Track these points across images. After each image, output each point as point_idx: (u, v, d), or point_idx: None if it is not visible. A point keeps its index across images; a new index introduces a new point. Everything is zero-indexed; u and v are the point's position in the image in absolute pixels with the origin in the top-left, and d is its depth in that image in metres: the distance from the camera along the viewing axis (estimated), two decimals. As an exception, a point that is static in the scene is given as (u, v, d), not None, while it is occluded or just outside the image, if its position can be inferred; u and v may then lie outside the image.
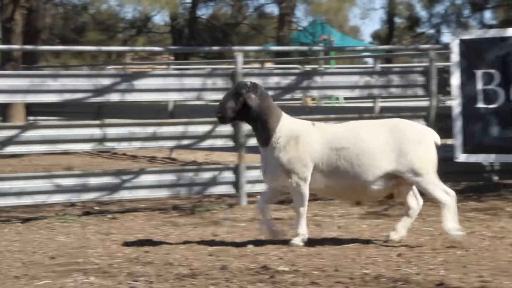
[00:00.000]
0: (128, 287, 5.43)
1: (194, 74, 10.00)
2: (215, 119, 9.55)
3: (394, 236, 6.87)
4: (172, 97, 10.87)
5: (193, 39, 28.25)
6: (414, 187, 6.89)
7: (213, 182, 9.57)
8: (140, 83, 9.31)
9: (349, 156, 6.70)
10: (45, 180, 8.89)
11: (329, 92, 10.54)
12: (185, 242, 7.14)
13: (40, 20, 18.86)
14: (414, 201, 6.91)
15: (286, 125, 6.83)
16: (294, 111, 8.12)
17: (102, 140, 9.14)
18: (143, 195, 9.36)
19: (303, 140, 6.77)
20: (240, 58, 9.63)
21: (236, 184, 9.61)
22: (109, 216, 8.85)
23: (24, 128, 9.03)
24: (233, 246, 6.91)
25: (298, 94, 10.30)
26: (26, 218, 8.70)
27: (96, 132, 9.10)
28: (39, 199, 8.78)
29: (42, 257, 6.61)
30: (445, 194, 6.74)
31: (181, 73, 11.24)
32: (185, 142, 9.64)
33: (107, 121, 9.54)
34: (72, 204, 9.39)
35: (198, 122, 9.58)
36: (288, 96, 10.21)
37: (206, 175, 9.58)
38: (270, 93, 9.92)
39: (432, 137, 6.88)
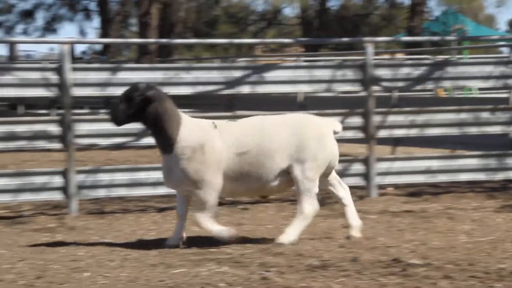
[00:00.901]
0: (260, 277, 5.48)
1: (324, 65, 9.98)
2: (344, 110, 9.61)
3: (353, 232, 6.82)
4: (301, 89, 10.89)
5: (323, 31, 28.21)
6: (335, 175, 6.85)
7: (343, 173, 9.53)
8: (270, 75, 9.39)
9: (250, 160, 6.53)
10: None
11: (462, 83, 10.31)
12: (315, 234, 7.15)
13: (175, 14, 19.28)
14: (341, 190, 6.86)
15: (188, 132, 6.47)
16: (426, 103, 8.00)
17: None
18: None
19: (210, 148, 6.46)
20: (370, 49, 9.56)
21: (366, 176, 9.56)
22: (240, 207, 8.96)
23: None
24: (363, 238, 6.87)
25: (429, 85, 10.13)
26: (162, 207, 8.92)
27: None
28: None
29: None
30: (310, 205, 6.61)
31: (311, 64, 11.24)
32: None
33: (238, 113, 9.65)
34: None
35: (327, 114, 9.56)
36: (419, 87, 10.06)
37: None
38: (401, 84, 9.87)
39: (330, 129, 6.73)
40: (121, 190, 8.95)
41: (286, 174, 6.61)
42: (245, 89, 9.42)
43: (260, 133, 6.58)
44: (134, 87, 6.48)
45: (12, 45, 30.26)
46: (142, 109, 6.40)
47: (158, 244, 6.77)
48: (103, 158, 13.53)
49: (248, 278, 5.48)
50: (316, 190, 6.63)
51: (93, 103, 19.35)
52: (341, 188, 6.89)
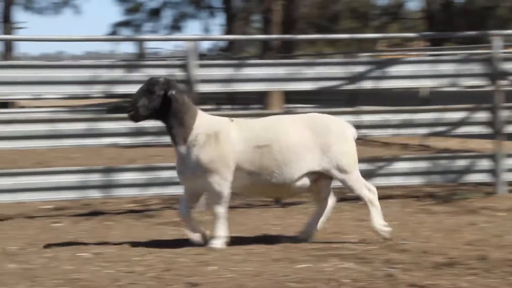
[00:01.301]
0: (384, 274, 5.44)
1: (449, 60, 9.80)
2: (470, 105, 9.41)
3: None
4: (425, 84, 10.73)
5: (448, 25, 27.68)
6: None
7: (469, 170, 9.36)
8: (393, 70, 9.29)
9: (272, 153, 6.42)
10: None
11: None
12: (441, 231, 7.04)
13: (297, 10, 19.33)
14: (332, 199, 6.75)
15: (204, 122, 6.47)
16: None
17: (356, 127, 9.21)
18: (397, 182, 9.35)
19: (224, 137, 6.42)
20: (497, 42, 9.32)
21: (494, 172, 9.34)
22: (362, 202, 8.90)
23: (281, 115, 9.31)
24: (492, 236, 6.72)
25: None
26: (285, 202, 8.96)
27: (349, 119, 9.19)
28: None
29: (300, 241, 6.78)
30: (368, 191, 6.57)
31: (435, 59, 11.06)
32: (439, 129, 9.49)
33: (361, 108, 9.60)
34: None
35: (453, 109, 9.39)
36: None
37: (462, 163, 9.40)
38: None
39: (351, 131, 6.67)
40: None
41: (310, 176, 6.52)
42: (368, 84, 9.36)
43: (283, 129, 6.50)
44: (154, 81, 6.42)
45: (140, 43, 31.06)
46: (163, 102, 6.36)
47: (281, 239, 6.82)
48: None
49: (373, 274, 5.45)
50: (359, 175, 6.61)
51: (217, 99, 19.65)
52: (332, 196, 6.79)
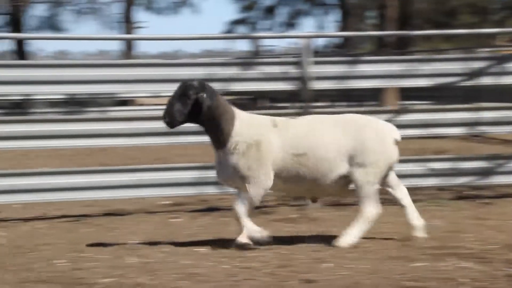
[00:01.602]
0: (505, 274, 5.32)
1: None
2: None
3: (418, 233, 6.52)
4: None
5: None
6: (393, 176, 6.60)
7: None
8: (512, 65, 9.08)
9: (307, 162, 6.32)
10: (417, 163, 9.02)
11: None
12: None
13: (413, 5, 19.08)
14: (399, 191, 6.63)
15: (244, 127, 6.32)
16: None
17: (475, 124, 9.06)
18: (517, 181, 9.12)
19: (265, 146, 6.29)
20: None
21: None
22: (482, 201, 8.73)
23: (397, 112, 9.22)
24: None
25: None
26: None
27: (468, 115, 9.03)
28: (413, 182, 8.92)
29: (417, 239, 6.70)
30: (372, 209, 6.39)
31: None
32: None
33: (479, 104, 9.41)
34: (441, 188, 9.39)
35: None
36: None
37: None
38: None
39: (391, 133, 6.49)
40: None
41: (344, 179, 6.42)
42: (486, 80, 9.16)
43: (319, 135, 6.39)
44: (187, 85, 6.30)
45: (255, 40, 31.30)
46: (197, 106, 6.24)
47: (395, 236, 6.76)
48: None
49: (493, 274, 5.34)
50: (376, 193, 6.44)
51: (331, 96, 19.61)
52: (399, 189, 6.65)
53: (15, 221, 8.20)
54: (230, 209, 8.06)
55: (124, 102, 23.20)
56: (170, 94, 6.42)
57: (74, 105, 21.55)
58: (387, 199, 8.84)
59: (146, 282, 5.39)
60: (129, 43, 27.85)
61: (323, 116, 6.74)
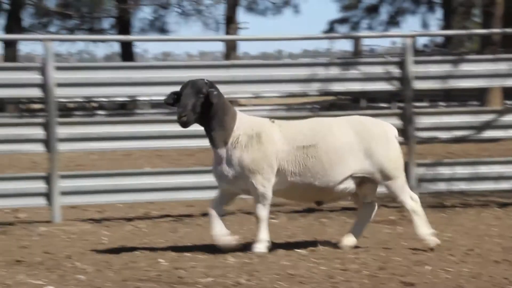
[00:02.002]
0: None
1: None
2: None
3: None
4: None
5: None
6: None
7: None
8: None
9: (317, 154, 6.22)
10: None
11: None
12: None
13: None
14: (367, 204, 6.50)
15: (245, 123, 6.31)
16: None
17: None
18: None
19: (266, 137, 6.26)
20: None
21: None
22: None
23: (501, 112, 9.02)
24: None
25: None
26: (504, 203, 8.68)
27: None
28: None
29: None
30: (411, 199, 6.33)
31: None
32: None
33: None
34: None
35: None
36: None
37: None
38: None
39: (393, 132, 6.42)
40: (462, 184, 8.85)
41: (353, 180, 6.33)
42: None
43: (328, 130, 6.33)
44: (200, 82, 6.23)
45: (356, 40, 31.10)
46: (208, 104, 6.19)
47: (501, 239, 6.61)
48: (443, 151, 13.45)
49: None
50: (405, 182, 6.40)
51: (432, 96, 19.32)
52: (370, 204, 6.55)
53: (119, 221, 8.37)
54: (327, 210, 8.04)
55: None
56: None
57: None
58: (491, 201, 8.66)
59: (245, 282, 5.43)
60: (231, 44, 28.10)
61: (324, 118, 6.81)
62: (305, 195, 6.47)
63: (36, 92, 8.57)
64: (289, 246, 6.62)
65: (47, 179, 8.46)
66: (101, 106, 23.43)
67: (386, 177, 6.33)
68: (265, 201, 6.29)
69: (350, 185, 6.35)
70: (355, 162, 6.29)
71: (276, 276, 5.57)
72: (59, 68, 8.48)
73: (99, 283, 5.52)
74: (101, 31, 29.32)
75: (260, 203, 6.30)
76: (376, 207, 6.59)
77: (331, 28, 32.24)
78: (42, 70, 8.42)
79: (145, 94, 12.39)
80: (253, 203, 6.32)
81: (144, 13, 34.16)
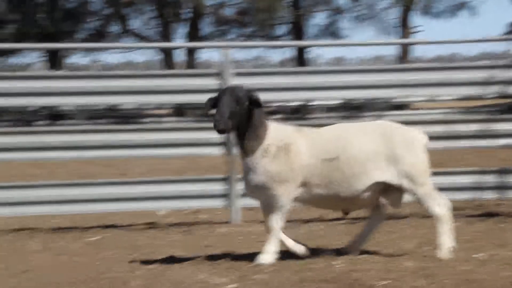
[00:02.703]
0: None
1: None
2: None
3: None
4: None
5: None
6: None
7: None
8: None
9: (339, 166, 6.12)
10: None
11: None
12: None
13: None
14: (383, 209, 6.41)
15: (275, 133, 6.18)
16: None
17: None
18: None
19: (294, 149, 6.14)
20: None
21: None
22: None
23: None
24: None
25: None
26: None
27: None
28: None
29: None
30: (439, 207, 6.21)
31: None
32: None
33: None
34: None
35: None
36: None
37: None
38: None
39: (421, 140, 6.28)
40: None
41: (377, 188, 6.22)
42: None
43: (351, 140, 6.23)
44: (239, 88, 6.12)
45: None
46: (248, 112, 6.09)
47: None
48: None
49: None
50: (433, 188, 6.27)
51: None
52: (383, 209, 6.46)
53: (295, 222, 8.49)
54: (506, 215, 7.83)
55: (400, 106, 23.21)
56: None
57: (351, 110, 21.92)
58: None
59: (423, 286, 5.39)
60: (405, 48, 27.83)
61: (348, 124, 6.80)
62: (331, 205, 6.44)
63: (214, 97, 8.84)
64: (468, 250, 6.51)
65: (226, 181, 8.71)
66: (275, 111, 23.80)
67: (411, 184, 6.22)
68: (280, 214, 6.25)
69: (375, 192, 6.27)
70: (379, 171, 6.21)
71: (454, 281, 5.49)
72: (237, 74, 8.72)
73: (277, 283, 5.63)
74: (276, 38, 29.81)
75: (275, 215, 6.24)
76: (384, 216, 6.55)
77: (510, 30, 31.28)
78: (221, 76, 8.68)
79: (319, 98, 12.49)
80: (269, 213, 6.25)
81: (318, 19, 34.39)
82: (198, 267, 6.28)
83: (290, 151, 6.17)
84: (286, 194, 6.18)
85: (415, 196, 6.31)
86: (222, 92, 6.17)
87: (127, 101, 13.24)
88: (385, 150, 6.22)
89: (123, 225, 8.54)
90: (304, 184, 6.21)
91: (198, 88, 8.76)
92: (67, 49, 28.95)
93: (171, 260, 6.57)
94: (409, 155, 6.23)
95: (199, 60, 31.65)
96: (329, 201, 6.32)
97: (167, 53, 27.76)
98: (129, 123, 21.22)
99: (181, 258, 6.67)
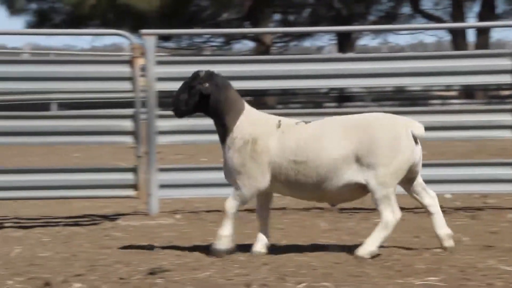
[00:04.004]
0: None
1: None
2: None
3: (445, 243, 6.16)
4: None
5: None
6: (420, 181, 6.16)
7: None
8: None
9: (307, 171, 5.98)
10: None
11: None
12: None
13: None
14: (427, 197, 6.18)
15: (246, 124, 6.10)
16: None
17: None
18: None
19: (262, 145, 6.03)
20: None
21: None
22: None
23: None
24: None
25: None
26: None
27: None
28: None
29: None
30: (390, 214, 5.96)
31: None
32: None
33: None
34: None
35: None
36: None
37: None
38: None
39: (407, 130, 5.99)
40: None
41: (356, 183, 6.00)
42: None
43: (323, 141, 5.99)
44: (194, 75, 6.21)
45: None
46: (203, 98, 6.14)
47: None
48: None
49: None
50: (394, 196, 5.99)
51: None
52: (427, 195, 6.18)
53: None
54: None
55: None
56: None
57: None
58: None
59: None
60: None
61: (334, 118, 6.35)
62: (309, 199, 6.43)
63: (507, 79, 8.57)
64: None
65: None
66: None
67: (375, 182, 5.95)
68: (240, 200, 6.16)
69: (351, 190, 6.07)
70: (351, 171, 5.99)
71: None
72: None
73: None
74: None
75: (234, 200, 6.17)
76: (434, 194, 6.26)
77: None
78: (514, 56, 8.44)
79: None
80: (232, 192, 6.20)
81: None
82: (486, 253, 6.15)
83: (257, 144, 6.09)
84: (249, 187, 6.12)
85: (373, 197, 6.02)
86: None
87: (415, 83, 13.17)
88: (359, 149, 5.97)
89: (409, 208, 8.54)
90: (272, 179, 6.11)
91: (490, 69, 8.55)
92: (357, 32, 29.29)
93: (456, 244, 6.48)
94: (384, 154, 5.93)
95: (492, 39, 30.63)
96: (302, 196, 6.30)
97: (457, 33, 27.20)
98: (415, 105, 21.24)
99: (466, 243, 6.57)
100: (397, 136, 6.00)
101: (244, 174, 6.10)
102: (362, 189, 6.07)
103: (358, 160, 5.98)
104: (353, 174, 5.99)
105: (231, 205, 6.18)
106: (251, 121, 6.17)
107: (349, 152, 5.97)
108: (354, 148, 5.97)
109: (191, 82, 6.22)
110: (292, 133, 6.11)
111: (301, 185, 6.08)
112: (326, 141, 6.02)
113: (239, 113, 6.18)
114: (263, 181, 6.11)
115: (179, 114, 6.32)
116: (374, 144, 5.96)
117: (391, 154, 5.95)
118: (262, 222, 6.32)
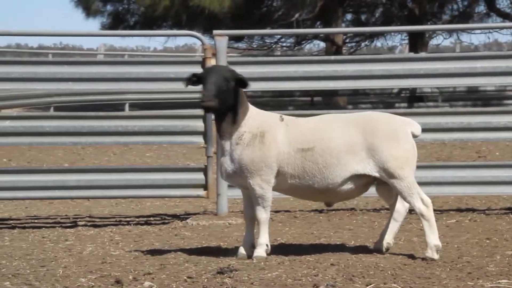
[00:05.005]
0: None
1: None
2: None
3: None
4: None
5: None
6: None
7: None
8: None
9: (314, 157, 6.06)
10: None
11: None
12: None
13: None
14: (400, 203, 6.20)
15: (253, 119, 6.18)
16: None
17: None
18: None
19: (270, 138, 6.11)
20: None
21: None
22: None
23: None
24: None
25: None
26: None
27: None
28: None
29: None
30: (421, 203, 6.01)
31: None
32: None
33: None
34: None
35: None
36: None
37: None
38: None
39: (406, 128, 6.10)
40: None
41: (358, 180, 6.10)
42: None
43: (327, 131, 6.13)
44: (227, 68, 6.23)
45: None
46: (233, 93, 6.10)
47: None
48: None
49: None
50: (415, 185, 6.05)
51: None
52: (401, 202, 6.21)
53: None
54: None
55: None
56: None
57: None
58: None
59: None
60: None
61: (334, 115, 6.51)
62: (308, 196, 6.40)
63: None
64: None
65: None
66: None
67: (390, 177, 6.04)
68: (264, 203, 6.17)
69: (354, 185, 6.13)
70: (356, 163, 6.08)
71: None
72: None
73: None
74: None
75: (259, 205, 6.17)
76: (406, 207, 6.27)
77: None
78: None
79: None
80: (254, 202, 6.19)
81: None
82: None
83: (265, 139, 6.13)
84: (263, 184, 6.12)
85: (395, 190, 6.12)
86: (209, 69, 6.36)
87: (489, 83, 12.96)
88: (364, 142, 6.08)
89: (480, 209, 8.42)
90: (279, 174, 6.15)
91: None
92: (429, 31, 28.92)
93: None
94: (388, 147, 6.04)
95: None
96: (305, 192, 6.26)
97: (533, 32, 26.66)
98: (489, 105, 20.93)
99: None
100: (396, 129, 6.16)
101: (254, 171, 6.14)
102: (365, 180, 6.15)
103: (363, 150, 6.09)
104: (358, 165, 6.10)
105: (261, 215, 6.21)
106: (256, 116, 6.28)
107: (354, 140, 6.10)
108: (358, 137, 6.10)
109: (228, 75, 6.15)
110: (296, 125, 6.27)
111: (308, 175, 6.13)
112: (331, 129, 6.18)
113: (247, 109, 6.27)
114: (272, 174, 6.15)
115: (211, 109, 6.19)
116: (377, 137, 6.09)
117: (396, 145, 6.09)
118: (249, 222, 6.35)
